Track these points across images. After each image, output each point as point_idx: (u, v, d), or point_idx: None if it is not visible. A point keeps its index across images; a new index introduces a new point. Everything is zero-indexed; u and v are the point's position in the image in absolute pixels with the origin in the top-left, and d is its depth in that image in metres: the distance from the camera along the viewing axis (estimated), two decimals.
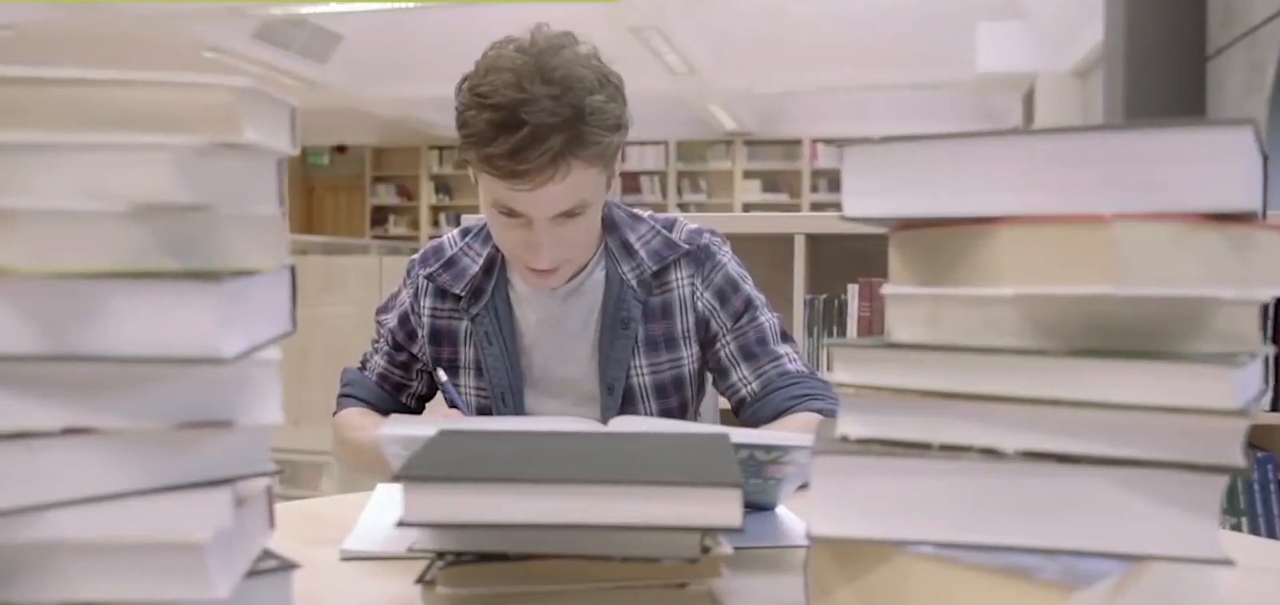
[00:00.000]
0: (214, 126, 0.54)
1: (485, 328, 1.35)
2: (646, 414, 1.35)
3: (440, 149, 12.01)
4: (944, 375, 0.64)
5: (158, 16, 6.97)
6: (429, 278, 1.40)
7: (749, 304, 1.38)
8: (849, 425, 0.68)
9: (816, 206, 10.71)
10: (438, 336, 1.38)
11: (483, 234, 1.41)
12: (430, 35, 8.45)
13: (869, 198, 0.68)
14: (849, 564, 0.65)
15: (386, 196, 12.34)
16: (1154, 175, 0.61)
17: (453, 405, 1.31)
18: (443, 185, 12.10)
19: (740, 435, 0.81)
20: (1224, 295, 0.59)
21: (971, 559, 0.60)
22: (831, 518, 0.64)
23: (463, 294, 1.36)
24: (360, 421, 1.36)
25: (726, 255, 1.40)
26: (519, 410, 1.34)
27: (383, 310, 1.45)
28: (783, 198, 10.94)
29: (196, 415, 0.56)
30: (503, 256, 1.37)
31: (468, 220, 1.52)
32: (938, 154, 0.66)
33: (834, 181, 10.90)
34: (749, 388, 1.35)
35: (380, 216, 12.32)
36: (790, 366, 1.36)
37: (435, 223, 12.02)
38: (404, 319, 1.41)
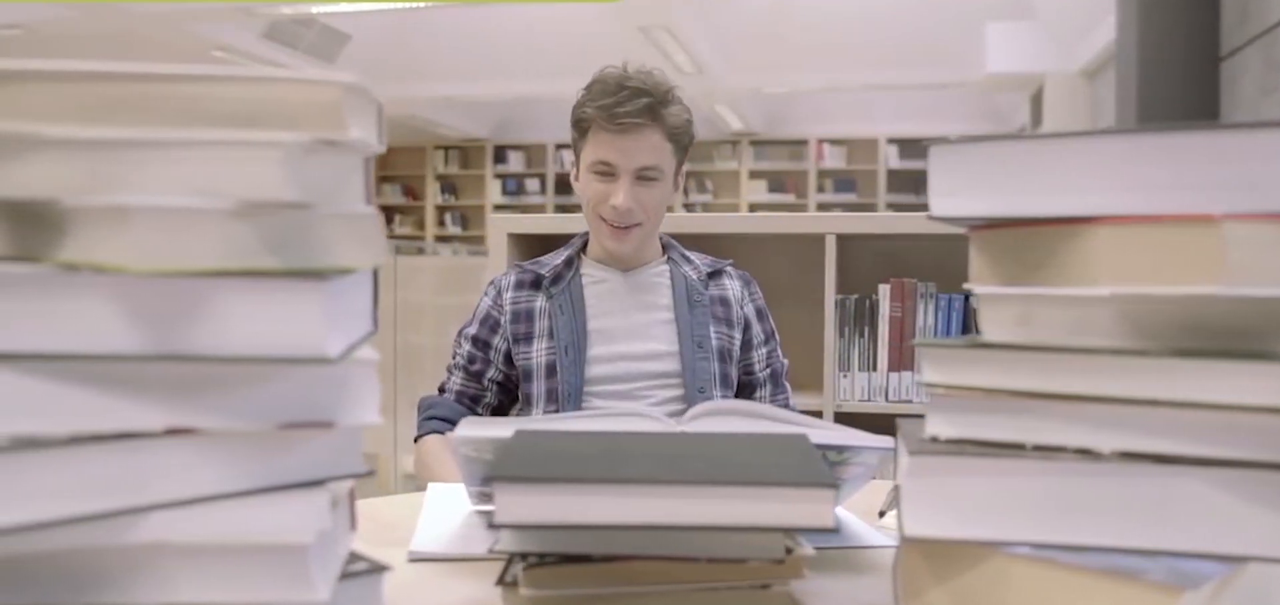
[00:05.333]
0: (320, 123, 0.53)
1: (559, 302, 1.62)
2: (714, 371, 1.60)
3: (445, 149, 12.01)
4: (1038, 375, 0.63)
5: (166, 15, 6.95)
6: (518, 268, 1.68)
7: (774, 335, 1.73)
8: (938, 426, 0.67)
9: (822, 206, 10.69)
10: (517, 316, 1.64)
11: (567, 244, 1.72)
12: (437, 36, 8.45)
13: (956, 197, 0.67)
14: (941, 564, 0.65)
15: (392, 196, 12.33)
16: (1251, 175, 0.60)
17: None
18: (448, 185, 12.10)
19: (815, 436, 0.81)
20: None
21: (1070, 560, 0.59)
22: (926, 518, 0.63)
23: (545, 275, 1.64)
24: (446, 459, 1.50)
25: (761, 292, 1.75)
26: (579, 360, 1.57)
27: (465, 325, 1.68)
28: (789, 198, 10.92)
29: (298, 415, 0.55)
30: (581, 258, 1.67)
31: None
32: (1025, 154, 0.66)
33: (839, 182, 10.90)
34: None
35: (385, 216, 12.26)
36: (792, 404, 1.72)
37: (441, 222, 12.01)
38: (486, 318, 1.65)
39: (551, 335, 1.59)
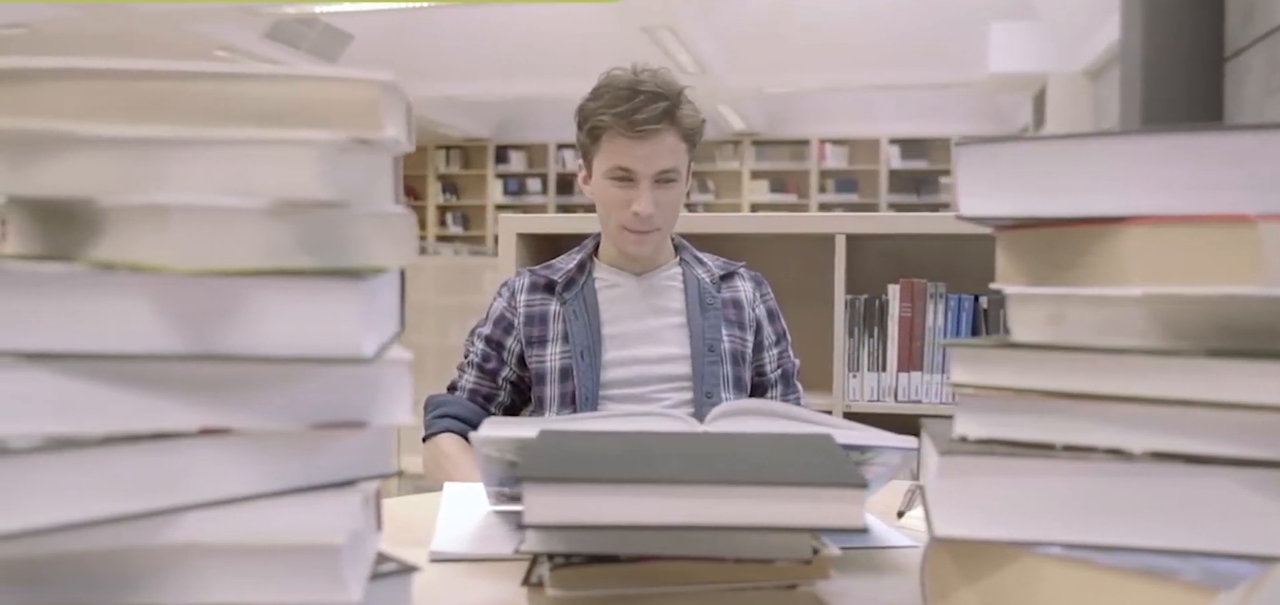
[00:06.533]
0: (355, 122, 0.53)
1: (573, 307, 1.62)
2: (726, 375, 1.60)
3: (447, 149, 12.00)
4: (1069, 375, 0.63)
5: (169, 15, 6.95)
6: (530, 272, 1.68)
7: (785, 335, 1.73)
8: (967, 426, 0.67)
9: (824, 206, 10.67)
10: (531, 320, 1.64)
11: (578, 248, 1.72)
12: (439, 36, 8.44)
13: (985, 197, 0.67)
14: (970, 564, 0.64)
15: None
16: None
17: None
18: (449, 185, 12.09)
19: (839, 435, 0.80)
20: None
21: (1102, 560, 0.59)
22: (955, 518, 0.63)
23: (558, 280, 1.64)
24: (461, 460, 1.51)
25: (772, 293, 1.75)
26: (594, 364, 1.58)
27: (479, 324, 1.68)
28: (790, 198, 10.92)
29: (331, 415, 0.55)
30: (593, 261, 1.68)
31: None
32: (1055, 154, 0.66)
33: (841, 182, 10.89)
34: None
35: None
36: (802, 404, 1.66)
37: (443, 222, 12.01)
38: (500, 319, 1.65)
39: (566, 339, 1.60)
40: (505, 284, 1.70)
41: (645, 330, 1.61)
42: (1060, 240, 0.67)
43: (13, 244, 0.56)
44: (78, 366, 0.51)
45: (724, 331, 1.62)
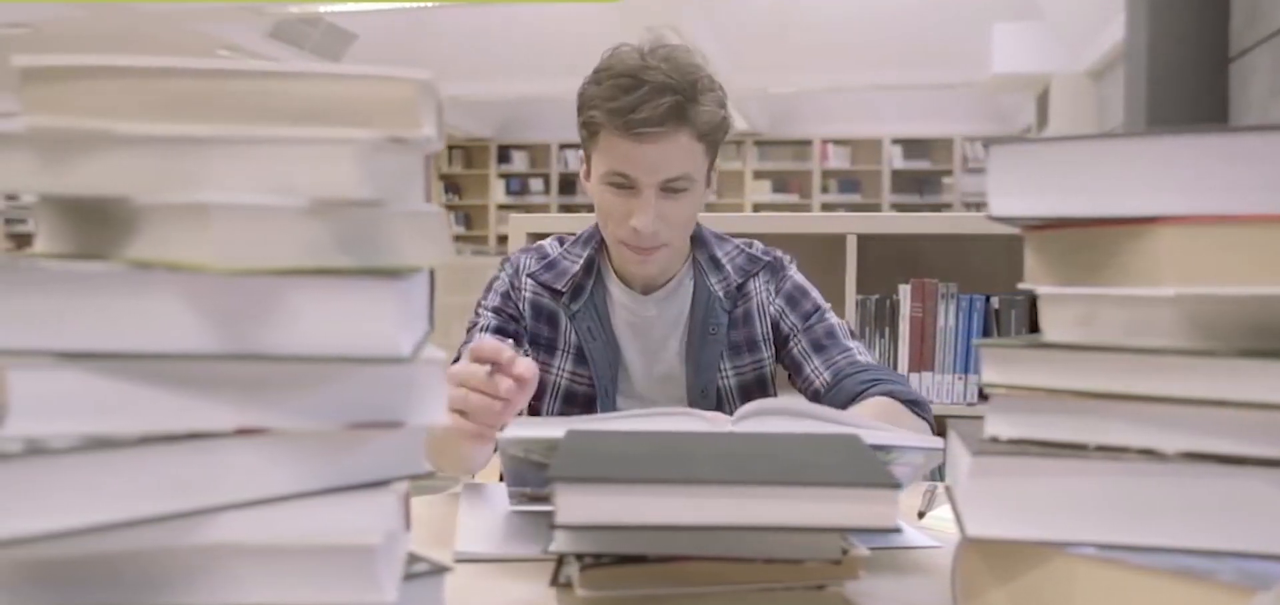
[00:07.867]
0: (392, 120, 0.53)
1: (587, 323, 1.40)
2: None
3: (449, 149, 12.01)
4: (1101, 375, 0.63)
5: (172, 15, 6.95)
6: (531, 275, 1.44)
7: (817, 307, 1.45)
8: (999, 426, 0.67)
9: (826, 206, 10.68)
10: (538, 311, 1.42)
11: (582, 239, 1.47)
12: (442, 35, 8.45)
13: (1016, 197, 0.67)
14: (1001, 565, 0.64)
15: None
16: None
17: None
18: (452, 185, 12.10)
19: (866, 436, 0.80)
20: None
21: (1137, 561, 0.59)
22: (988, 519, 0.63)
23: (564, 290, 1.41)
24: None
25: (794, 268, 1.50)
26: (613, 392, 1.39)
27: (482, 299, 1.47)
28: (793, 198, 10.93)
29: (367, 415, 0.55)
30: (601, 260, 1.44)
31: (556, 239, 1.53)
32: (1086, 154, 0.65)
33: (844, 182, 10.90)
34: (821, 378, 1.37)
35: None
36: (860, 357, 1.39)
37: None
38: (506, 295, 1.44)
39: (579, 359, 1.40)
40: (507, 260, 1.48)
41: (651, 359, 1.42)
42: (1091, 240, 0.67)
43: (47, 243, 0.56)
44: (114, 366, 0.51)
45: (729, 364, 1.40)
